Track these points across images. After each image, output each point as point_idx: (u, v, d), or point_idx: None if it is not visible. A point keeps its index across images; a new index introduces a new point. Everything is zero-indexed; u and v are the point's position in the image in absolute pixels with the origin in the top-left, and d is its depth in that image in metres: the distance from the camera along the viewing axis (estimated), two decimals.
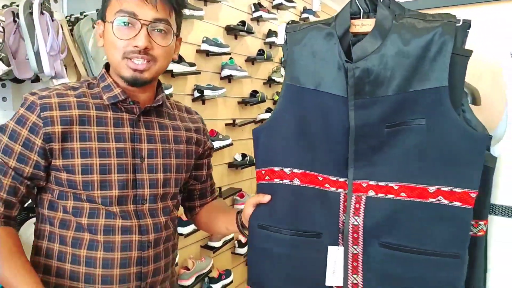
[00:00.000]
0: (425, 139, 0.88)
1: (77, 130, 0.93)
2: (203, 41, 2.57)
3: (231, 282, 2.76)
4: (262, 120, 3.10)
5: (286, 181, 0.98)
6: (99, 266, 0.93)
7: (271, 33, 3.26)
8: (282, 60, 1.02)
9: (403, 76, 0.87)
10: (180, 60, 2.37)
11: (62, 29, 1.64)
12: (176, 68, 2.30)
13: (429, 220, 0.88)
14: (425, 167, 0.88)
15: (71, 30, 1.76)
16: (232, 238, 2.84)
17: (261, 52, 3.15)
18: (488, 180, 0.87)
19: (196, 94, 2.53)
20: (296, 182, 0.98)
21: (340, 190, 0.95)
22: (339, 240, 0.95)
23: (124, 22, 0.91)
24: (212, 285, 2.60)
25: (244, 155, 2.97)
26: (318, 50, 0.94)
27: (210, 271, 2.58)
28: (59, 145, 0.91)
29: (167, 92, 2.12)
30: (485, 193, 0.87)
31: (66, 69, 1.65)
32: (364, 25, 0.94)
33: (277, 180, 0.99)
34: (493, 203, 0.91)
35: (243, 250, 2.98)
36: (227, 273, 2.75)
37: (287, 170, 0.98)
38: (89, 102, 0.96)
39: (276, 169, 1.00)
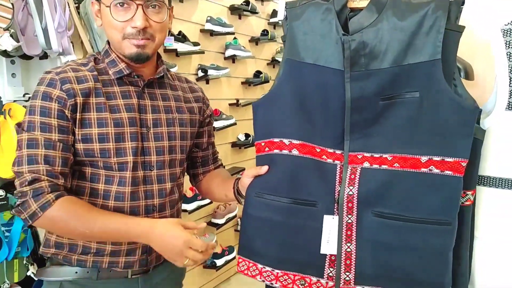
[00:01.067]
0: (419, 111, 0.90)
1: (93, 101, 0.98)
2: (207, 21, 2.58)
3: (234, 258, 2.83)
4: None
5: (285, 151, 1.01)
6: None
7: (275, 13, 3.25)
8: (282, 36, 1.05)
9: (398, 50, 0.90)
10: (184, 39, 2.38)
11: (69, 7, 1.66)
12: (180, 47, 2.33)
13: (421, 189, 0.91)
14: (418, 138, 0.92)
15: (77, 8, 1.78)
16: (235, 216, 2.89)
17: (265, 33, 3.15)
18: (476, 152, 0.91)
19: (200, 74, 2.56)
20: (295, 152, 1.01)
21: (336, 162, 0.99)
22: (335, 210, 0.98)
23: (120, 4, 0.96)
24: (215, 260, 2.68)
25: (247, 135, 3.01)
26: (316, 25, 0.97)
27: None
28: (80, 115, 0.97)
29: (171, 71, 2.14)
30: (473, 164, 0.90)
31: (73, 46, 1.68)
32: (361, 0, 0.96)
33: (276, 151, 1.03)
34: (481, 174, 0.95)
35: None
36: (230, 249, 2.82)
37: (286, 141, 1.01)
38: (98, 76, 1.02)
39: (276, 140, 1.03)
